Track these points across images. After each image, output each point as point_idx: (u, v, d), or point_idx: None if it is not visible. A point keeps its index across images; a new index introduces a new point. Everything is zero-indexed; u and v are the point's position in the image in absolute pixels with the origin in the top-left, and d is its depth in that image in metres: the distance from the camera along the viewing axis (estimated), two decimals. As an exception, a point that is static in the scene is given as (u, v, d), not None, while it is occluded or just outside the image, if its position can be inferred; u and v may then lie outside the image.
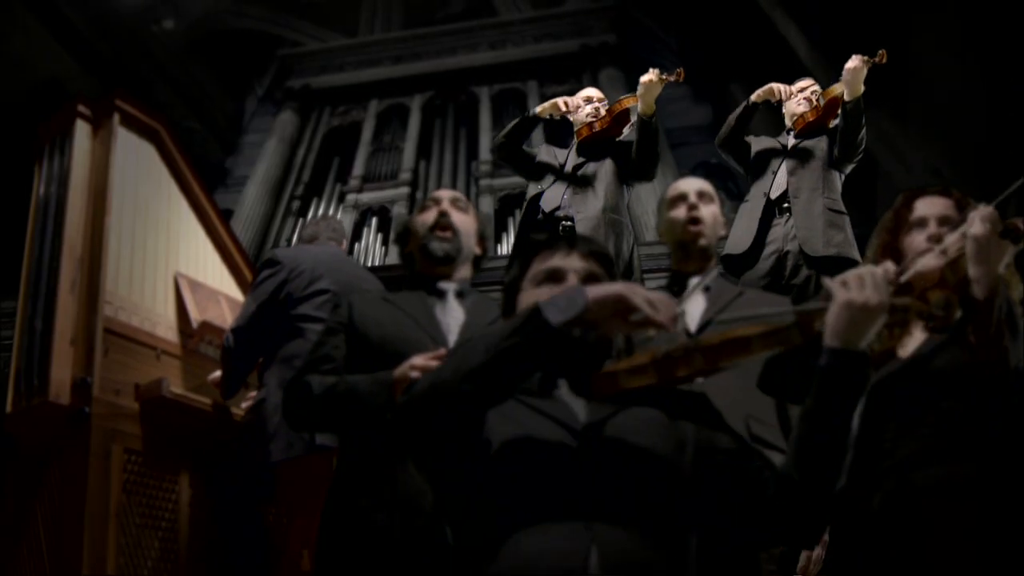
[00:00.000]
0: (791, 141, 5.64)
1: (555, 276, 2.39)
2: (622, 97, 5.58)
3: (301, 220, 15.18)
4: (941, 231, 3.00)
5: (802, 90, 5.78)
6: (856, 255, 5.19)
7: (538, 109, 5.72)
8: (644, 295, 2.04)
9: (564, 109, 5.63)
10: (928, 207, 3.11)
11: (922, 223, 3.09)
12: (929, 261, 2.63)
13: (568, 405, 2.23)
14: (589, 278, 2.37)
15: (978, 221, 2.61)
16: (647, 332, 2.09)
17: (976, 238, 2.59)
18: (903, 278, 2.32)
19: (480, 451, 2.13)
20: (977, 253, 2.58)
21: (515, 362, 2.05)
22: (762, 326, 2.16)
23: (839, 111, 5.42)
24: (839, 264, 5.14)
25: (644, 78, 5.28)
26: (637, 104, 5.40)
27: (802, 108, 5.67)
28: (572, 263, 2.39)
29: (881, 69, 5.19)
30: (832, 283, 2.13)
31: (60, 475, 4.38)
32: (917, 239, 3.06)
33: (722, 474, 2.16)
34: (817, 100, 5.61)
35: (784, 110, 5.80)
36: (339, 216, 15.26)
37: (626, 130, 5.64)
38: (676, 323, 2.07)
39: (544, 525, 1.99)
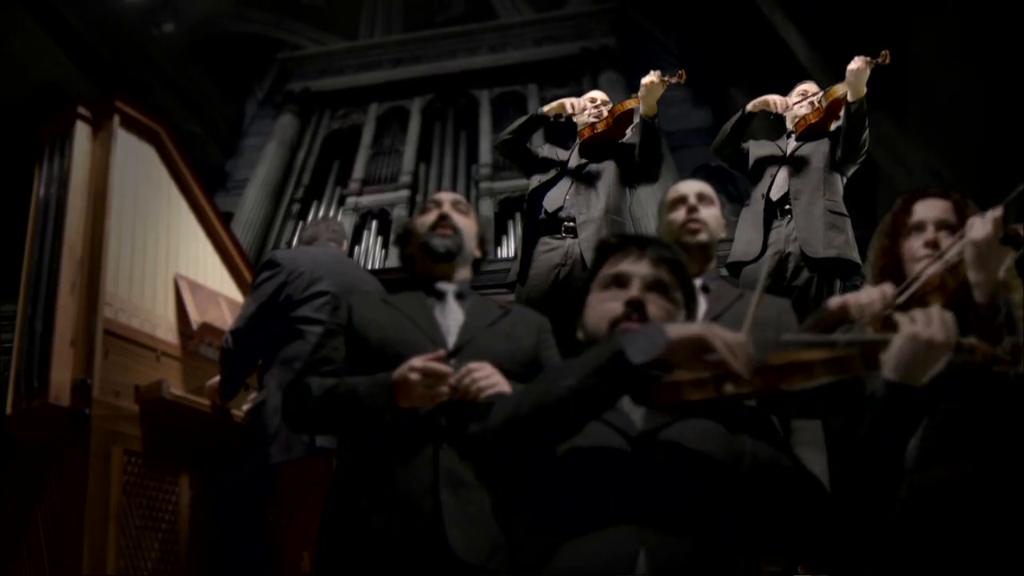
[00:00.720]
0: (792, 143, 5.63)
1: (621, 280, 2.44)
2: (624, 100, 5.59)
3: (301, 223, 15.16)
4: (939, 236, 3.01)
5: (803, 93, 5.78)
6: (856, 257, 5.20)
7: (545, 109, 5.74)
8: (723, 338, 2.03)
9: (570, 111, 5.64)
10: (926, 211, 3.11)
11: (920, 227, 3.08)
12: (930, 271, 2.65)
13: (626, 412, 2.26)
14: (655, 284, 2.42)
15: (978, 225, 2.61)
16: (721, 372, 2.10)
17: (976, 243, 2.59)
18: (901, 299, 2.33)
19: (538, 455, 2.16)
20: (977, 258, 2.59)
21: (596, 400, 2.08)
22: (826, 352, 2.15)
23: (841, 112, 5.43)
24: (839, 266, 5.15)
25: (646, 80, 5.29)
26: (639, 106, 5.41)
27: (804, 110, 5.67)
28: (640, 269, 2.44)
29: (881, 71, 5.19)
30: (900, 316, 2.13)
31: (60, 477, 4.37)
32: (915, 244, 3.06)
33: (775, 490, 2.18)
34: (819, 102, 5.60)
35: (786, 112, 5.80)
36: (339, 219, 15.25)
37: (628, 132, 5.65)
38: (750, 368, 2.06)
39: (596, 528, 2.03)
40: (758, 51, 12.28)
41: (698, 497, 2.09)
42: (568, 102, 5.69)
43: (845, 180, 5.56)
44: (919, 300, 2.85)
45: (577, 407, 2.08)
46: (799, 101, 5.74)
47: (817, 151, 5.52)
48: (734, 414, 2.29)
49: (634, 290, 2.40)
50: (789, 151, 5.61)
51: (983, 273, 2.58)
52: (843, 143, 5.37)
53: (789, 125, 5.79)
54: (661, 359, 2.04)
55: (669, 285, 2.44)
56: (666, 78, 5.26)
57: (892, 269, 3.15)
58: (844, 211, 5.39)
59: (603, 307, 2.42)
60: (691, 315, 2.53)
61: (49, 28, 12.71)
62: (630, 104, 5.52)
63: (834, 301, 3.10)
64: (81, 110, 5.08)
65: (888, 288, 2.96)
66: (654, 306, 2.38)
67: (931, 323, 2.07)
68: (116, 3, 14.08)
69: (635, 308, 2.36)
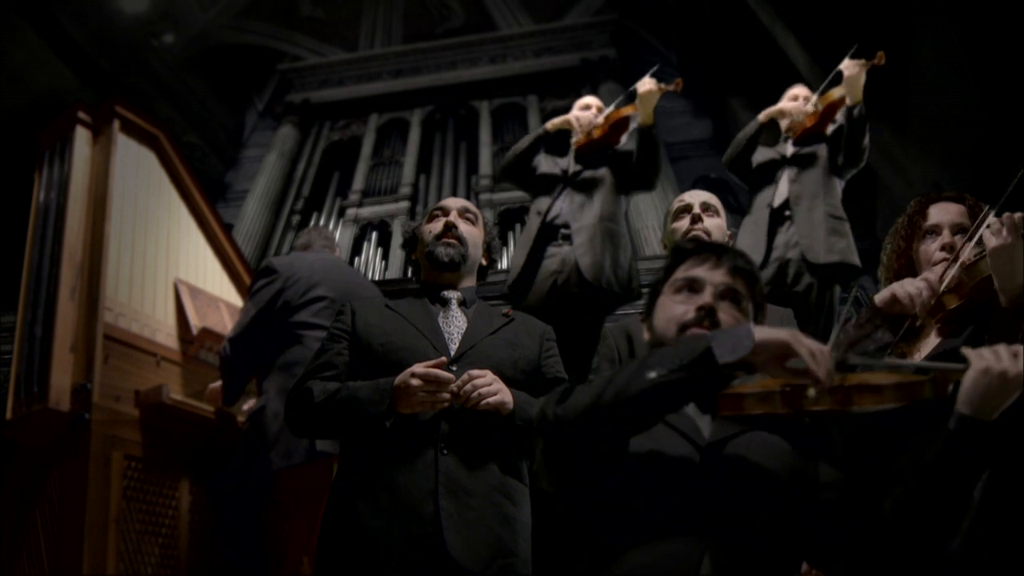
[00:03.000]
0: (790, 149, 5.62)
1: (694, 286, 2.44)
2: (620, 107, 5.57)
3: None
4: (955, 239, 3.02)
5: (795, 98, 5.79)
6: (857, 261, 5.19)
7: (549, 125, 5.71)
8: (808, 345, 2.03)
9: (575, 126, 5.61)
10: (941, 214, 3.13)
11: (935, 231, 3.10)
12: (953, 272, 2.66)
13: (694, 420, 2.28)
14: (728, 293, 2.42)
15: (991, 233, 2.62)
16: (811, 391, 2.09)
17: (995, 250, 2.60)
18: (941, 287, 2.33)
19: (609, 457, 2.18)
20: (999, 264, 2.59)
21: (678, 394, 2.09)
22: (897, 376, 2.16)
23: (837, 116, 5.44)
24: (841, 271, 5.14)
25: (642, 88, 5.29)
26: (635, 113, 5.40)
27: (799, 116, 5.67)
28: (715, 276, 2.44)
29: (881, 82, 5.19)
30: (970, 352, 2.14)
31: (60, 481, 4.36)
32: (931, 247, 3.08)
33: (830, 511, 2.18)
34: (815, 106, 5.60)
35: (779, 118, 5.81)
36: (339, 231, 15.31)
37: (624, 139, 5.63)
38: (831, 378, 2.05)
39: (661, 533, 2.05)
40: (758, 62, 12.26)
41: (760, 509, 2.11)
42: (573, 118, 5.67)
43: (843, 184, 5.55)
44: (937, 302, 2.86)
45: (659, 400, 2.08)
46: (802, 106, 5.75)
47: (816, 156, 5.51)
48: (801, 431, 2.31)
49: (707, 296, 2.40)
50: (788, 156, 5.60)
51: (1007, 278, 2.59)
52: (845, 147, 5.37)
53: (784, 130, 5.78)
54: (745, 361, 2.04)
55: (741, 296, 2.45)
56: (663, 86, 5.26)
57: (907, 271, 3.16)
58: (844, 215, 5.39)
59: (674, 310, 2.42)
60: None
61: (49, 39, 12.73)
62: (626, 111, 5.49)
63: (881, 295, 3.09)
64: (81, 115, 5.07)
65: (931, 275, 2.96)
66: (725, 314, 2.38)
67: (1002, 357, 2.08)
68: (116, 14, 14.12)
69: (707, 314, 2.36)
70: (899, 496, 2.10)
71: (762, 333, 2.05)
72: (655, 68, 5.67)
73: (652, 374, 2.06)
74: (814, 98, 5.64)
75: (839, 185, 5.51)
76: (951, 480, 2.06)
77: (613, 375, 2.17)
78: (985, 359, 2.09)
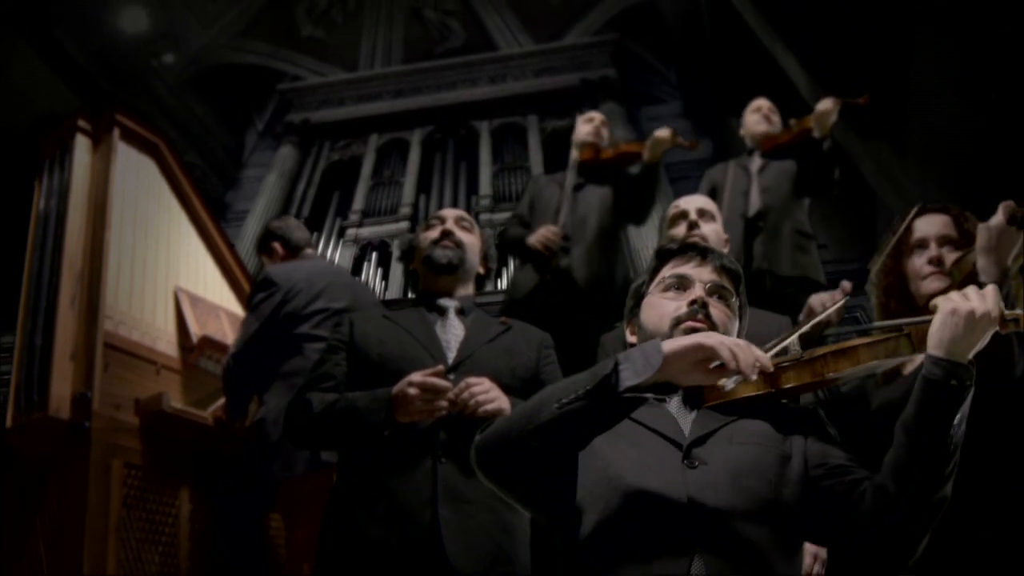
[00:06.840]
0: (758, 161, 5.65)
1: (682, 283, 2.44)
2: (632, 141, 5.62)
3: (301, 254, 15.16)
4: (942, 251, 3.01)
5: (758, 109, 5.82)
6: (822, 278, 5.24)
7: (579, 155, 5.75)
8: (722, 341, 1.98)
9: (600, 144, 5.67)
10: (928, 227, 3.12)
11: (923, 244, 3.09)
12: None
13: (675, 418, 2.26)
14: (716, 290, 2.41)
15: (1000, 212, 2.63)
16: (727, 381, 2.06)
17: (988, 227, 2.60)
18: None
19: (587, 464, 2.16)
20: (987, 242, 2.59)
21: (583, 423, 2.04)
22: (871, 336, 2.15)
23: (806, 139, 5.47)
24: (804, 285, 5.16)
25: (658, 133, 5.33)
26: (643, 152, 5.43)
27: (763, 127, 5.70)
28: (701, 274, 2.44)
29: (881, 102, 5.20)
30: (939, 298, 2.12)
31: (60, 490, 4.34)
32: (918, 261, 3.07)
33: (822, 487, 2.16)
34: (792, 124, 5.64)
35: (743, 131, 5.90)
36: (339, 251, 15.35)
37: (629, 167, 5.68)
38: (757, 370, 2.00)
39: (650, 535, 2.02)
40: (758, 82, 12.28)
41: (748, 499, 2.08)
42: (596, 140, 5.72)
43: (809, 201, 5.58)
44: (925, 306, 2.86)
45: (565, 429, 2.04)
46: (753, 115, 5.80)
47: (785, 171, 5.54)
48: (785, 413, 2.30)
49: (698, 291, 2.39)
50: (756, 168, 5.62)
51: (992, 257, 2.58)
52: (814, 179, 5.42)
53: (749, 143, 5.83)
54: (661, 381, 1.99)
55: (729, 293, 2.44)
56: (679, 139, 5.33)
57: (897, 287, 3.15)
58: (810, 231, 5.45)
59: (665, 307, 2.40)
60: (742, 327, 2.52)
61: (49, 58, 12.74)
62: (637, 147, 5.56)
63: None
64: (81, 123, 5.07)
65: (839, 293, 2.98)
66: (716, 310, 2.37)
67: (970, 297, 2.06)
68: (116, 34, 14.15)
69: (700, 307, 2.34)
70: (890, 459, 2.08)
71: (671, 344, 1.99)
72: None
73: (559, 401, 2.01)
74: (789, 121, 5.69)
75: (806, 201, 5.54)
76: (931, 426, 2.03)
77: (523, 406, 2.13)
78: (953, 300, 2.07)
